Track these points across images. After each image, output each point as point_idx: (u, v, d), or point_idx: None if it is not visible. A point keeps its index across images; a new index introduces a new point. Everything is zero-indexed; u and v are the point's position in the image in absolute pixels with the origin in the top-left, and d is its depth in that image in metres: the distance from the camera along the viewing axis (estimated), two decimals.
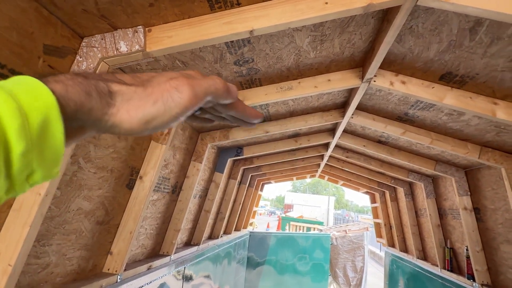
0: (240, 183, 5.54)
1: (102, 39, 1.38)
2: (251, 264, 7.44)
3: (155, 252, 2.87)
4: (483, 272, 3.25)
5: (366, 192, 7.38)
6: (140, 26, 1.38)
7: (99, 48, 1.38)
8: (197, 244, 3.78)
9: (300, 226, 15.70)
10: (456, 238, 3.92)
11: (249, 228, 10.63)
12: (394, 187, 5.74)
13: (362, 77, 2.09)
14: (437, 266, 4.19)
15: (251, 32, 1.36)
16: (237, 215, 6.04)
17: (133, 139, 2.05)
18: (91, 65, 1.37)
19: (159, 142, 2.22)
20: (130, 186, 2.15)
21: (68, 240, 1.71)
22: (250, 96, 2.22)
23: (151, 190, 2.20)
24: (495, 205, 3.04)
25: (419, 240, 5.01)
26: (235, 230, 6.28)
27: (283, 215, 21.27)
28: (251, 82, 2.15)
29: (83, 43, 1.39)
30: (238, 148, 3.95)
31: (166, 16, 1.36)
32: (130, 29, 1.38)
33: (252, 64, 1.91)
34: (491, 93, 1.93)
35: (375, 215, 7.40)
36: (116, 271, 2.08)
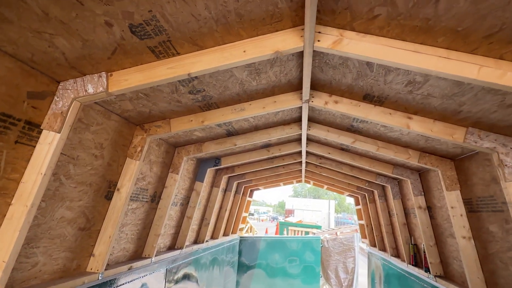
0: (225, 190, 5.91)
1: (74, 83, 1.78)
2: (242, 268, 7.75)
3: (138, 255, 3.23)
4: (437, 264, 3.60)
5: (350, 195, 7.72)
6: (103, 72, 1.77)
7: (72, 90, 1.77)
8: (180, 248, 4.14)
9: (298, 230, 15.95)
10: (418, 234, 4.27)
11: (247, 234, 10.93)
12: (370, 189, 6.09)
13: (302, 98, 2.48)
14: (405, 261, 4.52)
15: (189, 74, 1.75)
16: (225, 221, 6.39)
17: (109, 157, 2.43)
18: (66, 103, 1.76)
19: (133, 158, 2.60)
20: (109, 197, 2.53)
21: (54, 243, 2.08)
22: (209, 117, 2.61)
23: (128, 200, 2.57)
24: (441, 203, 3.40)
25: (392, 238, 5.35)
26: (223, 235, 6.62)
27: (282, 221, 21.51)
28: (209, 105, 2.54)
29: (60, 86, 1.78)
30: (216, 159, 4.33)
31: (123, 64, 1.76)
32: (95, 74, 1.77)
33: (205, 93, 2.30)
34: (404, 109, 2.31)
35: (360, 217, 7.73)
36: (97, 270, 2.44)
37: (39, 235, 1.95)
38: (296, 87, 2.48)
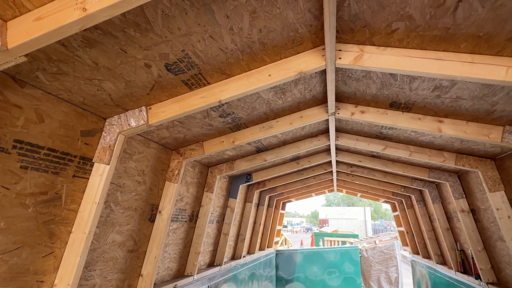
0: (258, 205, 5.98)
1: (118, 119, 1.97)
2: (280, 282, 7.69)
3: (180, 273, 3.37)
4: (488, 270, 3.39)
5: (386, 201, 7.48)
6: (143, 106, 1.95)
7: (117, 125, 1.96)
8: (219, 264, 4.23)
9: (334, 241, 15.57)
10: (463, 239, 4.06)
11: (282, 246, 10.88)
12: (407, 195, 5.88)
13: (328, 112, 2.53)
14: (452, 269, 4.29)
15: (219, 101, 1.88)
16: (260, 235, 6.43)
17: (150, 182, 2.61)
18: (112, 137, 1.95)
19: (171, 181, 2.77)
20: (152, 219, 2.70)
21: (107, 266, 2.25)
22: (239, 137, 2.73)
23: (169, 221, 2.73)
24: (485, 205, 3.24)
25: (436, 244, 5.10)
26: (259, 250, 6.65)
27: (316, 231, 21.07)
28: (238, 126, 2.67)
29: (106, 123, 1.99)
30: (247, 175, 4.44)
31: (160, 98, 1.93)
32: (136, 109, 1.96)
33: (234, 115, 2.43)
34: (434, 113, 2.29)
35: (398, 224, 7.44)
36: None
37: (95, 259, 2.13)
38: (321, 101, 2.54)
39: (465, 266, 4.03)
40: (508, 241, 2.69)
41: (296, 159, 4.24)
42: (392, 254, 9.51)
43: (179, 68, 1.67)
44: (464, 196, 3.59)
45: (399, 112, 2.40)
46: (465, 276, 3.87)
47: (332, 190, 7.76)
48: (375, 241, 10.02)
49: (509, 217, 2.70)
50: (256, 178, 4.43)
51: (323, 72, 2.06)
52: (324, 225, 40.43)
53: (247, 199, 5.20)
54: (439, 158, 3.02)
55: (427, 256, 5.71)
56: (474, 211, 3.51)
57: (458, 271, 4.09)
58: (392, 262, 9.45)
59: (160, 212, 2.72)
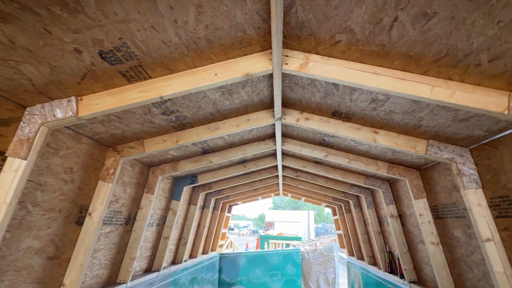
0: (203, 207, 5.84)
1: (42, 108, 1.74)
2: (223, 285, 7.59)
3: (112, 280, 3.10)
4: (410, 270, 3.73)
5: (327, 206, 7.87)
6: (73, 97, 1.76)
7: (39, 115, 1.73)
8: (157, 270, 4.01)
9: (278, 243, 15.92)
10: (392, 242, 4.42)
11: (227, 250, 10.74)
12: (346, 200, 6.25)
13: (274, 116, 2.56)
14: (381, 269, 4.64)
15: (161, 97, 1.77)
16: (203, 238, 6.28)
17: (80, 181, 2.36)
18: (33, 129, 1.72)
19: (105, 181, 2.54)
20: (80, 222, 2.44)
21: (20, 276, 1.97)
22: (184, 136, 2.62)
23: (100, 224, 2.49)
24: (410, 211, 3.56)
25: (369, 247, 5.49)
26: (203, 253, 6.49)
27: (262, 234, 21.37)
28: (183, 125, 2.55)
29: (26, 112, 1.74)
30: (192, 177, 4.30)
31: (93, 89, 1.75)
32: (64, 99, 1.75)
33: (178, 113, 2.32)
34: (370, 125, 2.45)
35: (337, 227, 7.87)
36: None
37: (3, 268, 1.84)
38: (268, 105, 2.55)
39: (392, 266, 4.39)
40: (427, 244, 2.98)
41: (243, 162, 4.23)
42: (331, 256, 10.02)
43: (116, 57, 1.53)
44: (393, 202, 3.91)
45: (340, 121, 2.52)
46: (392, 276, 4.21)
47: (278, 194, 7.93)
48: (316, 244, 10.47)
49: (429, 222, 3.00)
50: (201, 180, 4.31)
51: (271, 77, 2.07)
52: (270, 228, 41.25)
53: (191, 202, 5.04)
54: (374, 167, 3.25)
55: (361, 258, 6.12)
56: (401, 216, 3.84)
57: (386, 271, 4.44)
58: (331, 263, 9.95)
59: (90, 214, 2.47)
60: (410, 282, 3.67)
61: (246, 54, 1.74)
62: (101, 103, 1.76)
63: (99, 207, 2.49)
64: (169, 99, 2.08)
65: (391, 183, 3.99)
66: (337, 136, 2.86)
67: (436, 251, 2.93)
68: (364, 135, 2.48)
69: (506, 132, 1.95)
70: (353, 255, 6.68)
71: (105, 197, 2.51)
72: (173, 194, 4.22)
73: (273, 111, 2.57)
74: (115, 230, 2.98)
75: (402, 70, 1.64)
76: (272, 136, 3.39)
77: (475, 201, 2.21)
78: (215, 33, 1.50)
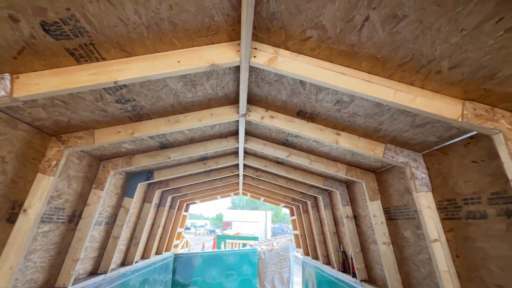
0: (158, 205, 5.56)
1: None
2: (176, 286, 7.32)
3: (50, 285, 2.78)
4: (362, 269, 3.88)
5: (285, 206, 7.97)
6: (7, 74, 1.51)
7: None
8: (104, 272, 3.71)
9: (235, 243, 15.88)
10: (346, 242, 4.57)
11: (182, 250, 10.42)
12: (304, 200, 6.37)
13: (239, 112, 2.47)
14: (335, 268, 4.78)
15: (115, 82, 1.59)
16: (158, 238, 5.99)
17: (14, 173, 2.07)
18: None
19: (46, 173, 2.26)
20: (12, 220, 2.14)
21: None
22: (140, 128, 2.42)
23: (37, 222, 2.21)
24: (365, 212, 3.70)
25: (324, 246, 5.64)
26: (156, 254, 6.19)
27: (219, 234, 21.18)
28: (139, 116, 2.36)
29: None
30: (148, 173, 4.05)
31: (33, 66, 1.52)
32: None
33: (135, 103, 2.14)
34: (333, 126, 2.47)
35: (294, 227, 8.01)
36: None
37: None
38: (233, 100, 2.46)
39: (345, 266, 4.54)
40: (380, 244, 3.10)
41: (203, 159, 4.09)
42: (286, 255, 10.19)
43: (62, 31, 1.34)
44: (349, 203, 4.04)
45: (305, 121, 2.51)
46: (345, 275, 4.35)
47: (237, 194, 7.85)
48: (273, 244, 10.59)
49: (382, 223, 3.13)
50: (158, 177, 4.09)
51: (237, 70, 1.98)
52: (227, 227, 41.06)
53: (146, 199, 4.76)
54: (334, 168, 3.31)
55: (316, 257, 6.27)
56: (356, 217, 3.98)
57: (339, 270, 4.58)
58: (286, 263, 10.12)
59: (25, 210, 2.18)
60: (361, 280, 3.81)
61: (213, 43, 1.64)
62: (43, 83, 1.54)
63: (36, 203, 2.21)
64: (124, 86, 1.89)
65: (348, 185, 4.12)
66: (301, 136, 2.86)
67: (387, 250, 3.06)
68: (327, 136, 2.50)
69: (456, 139, 2.07)
70: (308, 255, 6.83)
71: (44, 192, 2.23)
72: (126, 190, 3.94)
73: (238, 107, 2.49)
74: (55, 229, 2.68)
75: (368, 72, 1.65)
76: (235, 133, 3.31)
77: (425, 204, 2.33)
78: (180, 16, 1.38)
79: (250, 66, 1.78)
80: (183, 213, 7.29)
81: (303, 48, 1.61)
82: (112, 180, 3.59)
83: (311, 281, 6.32)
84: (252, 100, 2.44)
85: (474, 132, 1.91)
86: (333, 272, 4.84)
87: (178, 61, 1.62)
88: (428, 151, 2.37)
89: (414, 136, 2.21)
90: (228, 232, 24.25)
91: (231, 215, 50.57)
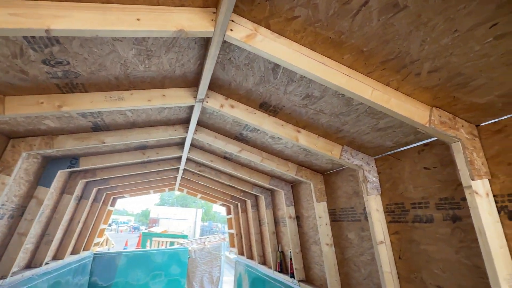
0: (80, 198, 4.83)
1: None
2: None
3: None
4: (300, 269, 3.91)
5: (223, 205, 7.77)
6: None
7: None
8: (3, 277, 3.01)
9: (163, 241, 15.10)
10: (285, 242, 4.59)
11: (101, 248, 9.38)
12: (244, 199, 6.26)
13: (196, 97, 2.20)
14: (271, 268, 4.76)
15: (47, 31, 1.20)
16: (76, 236, 5.22)
17: None
18: None
19: None
20: None
21: None
22: (72, 102, 1.97)
23: None
24: (308, 213, 3.73)
25: (260, 246, 5.60)
26: (72, 253, 5.39)
27: (145, 231, 19.88)
28: (72, 86, 1.92)
29: None
30: (73, 159, 3.44)
31: None
32: None
33: (69, 67, 1.71)
34: (295, 122, 2.38)
35: (230, 226, 7.86)
36: None
37: None
38: (191, 83, 2.18)
39: (282, 266, 4.55)
40: (322, 244, 3.13)
41: (142, 148, 3.64)
42: (218, 254, 9.98)
43: None
44: (293, 204, 4.04)
45: (266, 114, 2.37)
46: (281, 275, 4.35)
47: (173, 189, 7.38)
48: (204, 242, 10.26)
49: (326, 224, 3.17)
50: (85, 165, 3.50)
51: (204, 46, 1.73)
52: (154, 224, 38.97)
53: (65, 190, 4.06)
54: (284, 167, 3.24)
55: (251, 257, 6.21)
56: (298, 218, 3.99)
57: (276, 270, 4.57)
58: (217, 262, 9.90)
59: None
60: (299, 280, 3.83)
61: (183, 5, 1.36)
62: None
63: None
64: (57, 42, 1.48)
65: (293, 186, 4.12)
66: (258, 130, 2.70)
67: (329, 251, 3.11)
68: (287, 133, 2.39)
69: (410, 146, 2.15)
70: (243, 254, 6.75)
71: None
72: (41, 178, 3.27)
73: (196, 90, 2.21)
74: None
75: (349, 67, 1.57)
76: (184, 121, 2.99)
77: (374, 207, 2.39)
78: None
79: (223, 41, 1.55)
80: (109, 207, 6.54)
81: (286, 30, 1.45)
82: (24, 164, 2.93)
83: (245, 280, 6.24)
84: (213, 85, 2.19)
85: (429, 140, 2.00)
86: (269, 272, 4.82)
87: (138, 19, 1.30)
88: (380, 156, 2.44)
89: (373, 139, 2.23)
90: (155, 229, 22.97)
91: (159, 211, 48.13)
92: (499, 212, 1.58)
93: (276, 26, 1.45)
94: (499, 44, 1.18)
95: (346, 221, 2.94)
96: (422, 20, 1.19)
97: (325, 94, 1.90)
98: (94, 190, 5.19)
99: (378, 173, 2.45)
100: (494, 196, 1.60)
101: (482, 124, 1.66)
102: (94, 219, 5.80)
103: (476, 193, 1.58)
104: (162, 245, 14.71)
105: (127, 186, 5.71)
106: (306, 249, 3.85)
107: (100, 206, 5.78)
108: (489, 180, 1.62)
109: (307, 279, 3.86)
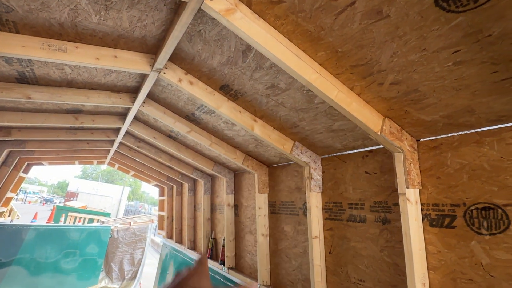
0: None
1: None
2: None
3: None
4: (232, 257, 3.94)
5: (156, 185, 7.41)
6: None
7: None
8: None
9: (81, 217, 13.90)
10: (219, 230, 4.57)
11: (2, 219, 8.18)
12: (181, 182, 6.06)
13: (153, 65, 2.00)
14: (201, 254, 4.71)
15: None
16: None
17: None
18: None
19: None
20: None
21: None
22: None
23: None
24: (248, 203, 3.77)
25: (192, 232, 5.50)
26: None
27: (60, 204, 18.00)
28: (2, 23, 1.57)
29: None
30: None
31: None
32: None
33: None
34: (253, 111, 2.34)
35: (161, 208, 7.56)
36: None
37: None
38: (149, 49, 1.97)
39: (213, 253, 4.53)
40: (258, 235, 3.19)
41: (76, 112, 3.22)
42: (143, 236, 9.54)
43: None
44: (233, 192, 4.04)
45: (226, 98, 2.28)
46: (211, 262, 4.33)
47: (102, 162, 6.76)
48: (130, 222, 9.71)
49: (265, 215, 3.23)
50: None
51: (174, 11, 1.57)
52: (72, 198, 35.54)
53: None
54: (232, 155, 3.20)
55: (180, 241, 6.07)
56: (237, 207, 4.01)
57: (207, 257, 4.53)
58: (141, 244, 9.47)
59: None
60: (229, 268, 3.86)
61: None
62: None
63: None
64: None
65: (236, 174, 4.11)
66: (214, 113, 2.60)
67: (264, 242, 3.18)
68: (244, 120, 2.34)
69: (356, 150, 2.30)
70: (171, 238, 6.55)
71: None
72: None
73: (153, 58, 2.01)
74: None
75: (320, 64, 1.58)
76: (132, 90, 2.73)
77: (315, 203, 2.51)
78: None
79: (197, 10, 1.42)
80: (21, 174, 5.70)
81: (267, 13, 1.39)
82: None
83: (171, 264, 6.08)
84: (174, 57, 2.02)
85: (374, 147, 2.16)
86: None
87: None
88: (327, 156, 2.56)
89: (324, 139, 2.33)
90: (73, 204, 20.96)
91: (79, 185, 43.96)
92: (423, 218, 1.78)
93: (257, 6, 1.38)
94: (455, 70, 1.30)
95: (285, 214, 3.04)
96: (399, 33, 1.25)
97: (290, 87, 1.90)
98: (5, 152, 4.45)
99: (323, 172, 2.57)
100: (421, 204, 1.80)
101: (422, 140, 1.85)
102: (0, 185, 5.00)
103: (408, 200, 1.76)
104: (79, 221, 13.55)
105: (48, 153, 5.03)
106: (240, 238, 3.89)
107: (10, 171, 5.00)
108: (420, 190, 1.81)
109: (237, 267, 3.91)
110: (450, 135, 1.71)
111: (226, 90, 2.19)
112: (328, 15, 1.29)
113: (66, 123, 3.26)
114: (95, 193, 39.94)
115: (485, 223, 1.51)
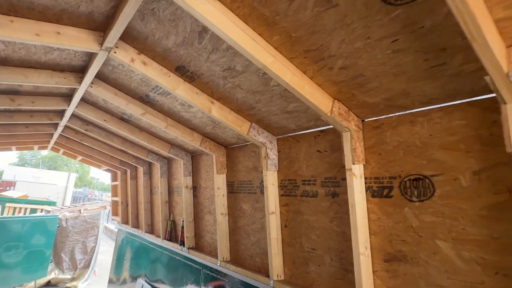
0: None
1: None
2: None
3: None
4: (191, 238, 4.00)
5: (108, 170, 7.07)
6: None
7: None
8: None
9: (21, 207, 12.77)
10: (177, 212, 4.57)
11: None
12: (135, 166, 5.86)
13: (102, 44, 1.89)
14: (160, 237, 4.70)
15: None
16: None
17: None
18: None
19: None
20: None
21: None
22: None
23: None
24: (206, 184, 3.81)
25: (149, 215, 5.41)
26: None
27: None
28: None
29: None
30: None
31: None
32: None
33: None
34: (210, 93, 2.35)
35: (114, 193, 7.26)
36: None
37: None
38: (96, 26, 1.85)
39: (172, 234, 4.54)
40: (217, 214, 3.28)
41: (13, 93, 2.92)
42: (95, 223, 9.14)
43: None
44: (191, 174, 4.04)
45: (182, 80, 2.25)
46: (171, 243, 4.35)
47: (45, 148, 6.24)
48: (80, 210, 9.19)
49: (223, 195, 3.31)
50: None
51: None
52: (9, 188, 32.18)
53: None
54: (189, 137, 3.18)
55: (137, 226, 5.94)
56: (195, 188, 4.03)
57: (165, 239, 4.53)
58: (94, 231, 9.08)
59: None
60: (189, 248, 3.93)
61: None
62: None
63: None
64: None
65: (193, 156, 4.10)
66: (167, 95, 2.55)
67: (223, 221, 3.28)
68: (201, 102, 2.34)
69: (309, 130, 2.44)
70: (127, 223, 6.38)
71: None
72: None
73: (102, 36, 1.90)
74: None
75: (275, 48, 1.64)
76: (79, 70, 2.54)
77: (271, 181, 2.64)
78: None
79: None
80: None
81: None
82: None
83: (128, 249, 5.96)
84: (125, 36, 1.92)
85: (325, 127, 2.31)
86: (157, 241, 4.74)
87: None
88: (282, 136, 2.68)
89: (279, 120, 2.43)
90: (10, 193, 19.06)
91: (16, 173, 39.83)
92: (366, 190, 1.99)
93: None
94: (394, 57, 1.45)
95: (243, 193, 3.15)
96: (347, 21, 1.35)
97: (246, 70, 1.94)
98: None
99: (278, 152, 2.70)
100: (365, 178, 2.00)
101: (366, 120, 2.03)
102: None
103: (354, 175, 1.95)
104: (19, 212, 12.46)
105: None
106: (199, 218, 3.94)
107: None
108: (364, 165, 2.01)
109: (197, 247, 3.99)
110: (389, 115, 1.90)
111: (182, 71, 2.16)
112: (283, 0, 1.33)
113: (1, 105, 2.94)
114: (36, 181, 36.62)
115: (415, 192, 1.76)
